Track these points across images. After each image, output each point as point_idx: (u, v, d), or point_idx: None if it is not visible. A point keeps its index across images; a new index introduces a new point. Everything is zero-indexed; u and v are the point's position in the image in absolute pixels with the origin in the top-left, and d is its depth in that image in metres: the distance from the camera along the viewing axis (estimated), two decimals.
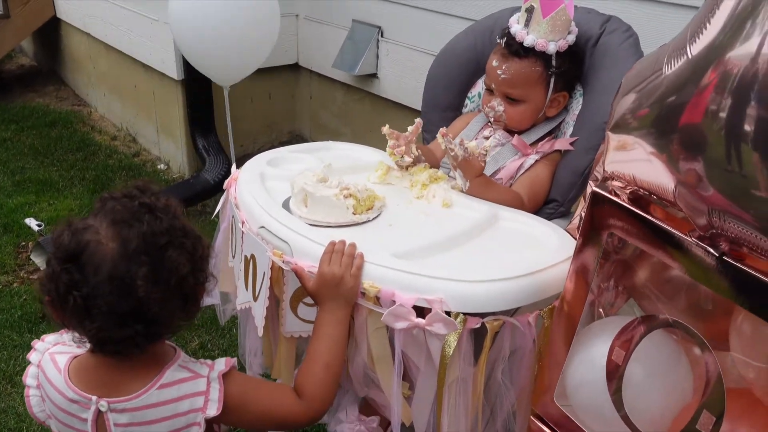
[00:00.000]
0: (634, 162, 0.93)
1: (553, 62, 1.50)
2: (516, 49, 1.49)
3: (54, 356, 1.06)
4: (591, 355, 1.04)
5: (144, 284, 0.93)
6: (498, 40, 1.55)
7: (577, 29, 1.52)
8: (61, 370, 1.04)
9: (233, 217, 1.42)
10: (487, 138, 1.61)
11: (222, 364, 1.05)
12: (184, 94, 3.31)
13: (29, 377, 1.09)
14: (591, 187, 1.13)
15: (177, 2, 2.66)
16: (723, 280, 0.83)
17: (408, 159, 1.50)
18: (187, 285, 0.98)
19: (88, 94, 4.57)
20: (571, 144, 1.53)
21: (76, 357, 1.05)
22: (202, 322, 2.42)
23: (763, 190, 0.72)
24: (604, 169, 1.02)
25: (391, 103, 3.07)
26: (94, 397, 1.01)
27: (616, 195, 0.99)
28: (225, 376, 1.04)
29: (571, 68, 1.54)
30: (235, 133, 3.57)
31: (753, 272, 0.79)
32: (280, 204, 1.38)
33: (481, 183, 1.43)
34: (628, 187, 0.97)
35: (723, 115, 0.74)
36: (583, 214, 1.11)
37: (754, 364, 0.91)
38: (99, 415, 1.01)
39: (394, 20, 2.96)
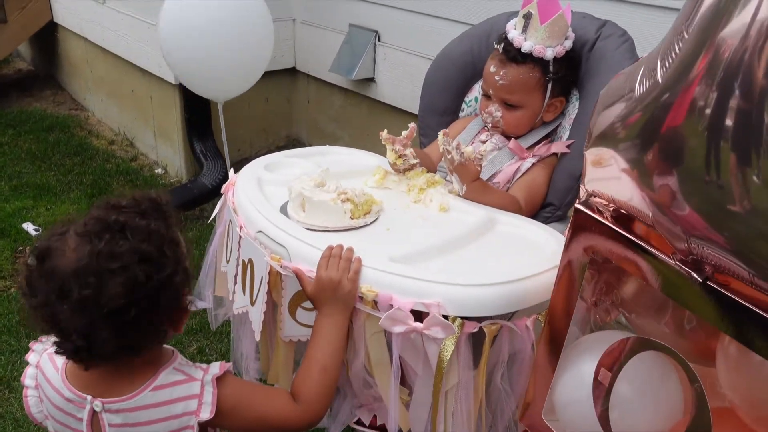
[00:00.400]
0: (610, 180, 0.91)
1: (551, 68, 1.50)
2: (514, 55, 1.50)
3: (52, 356, 1.06)
4: (580, 372, 1.03)
5: (68, 310, 0.91)
6: (495, 46, 1.56)
7: (573, 35, 1.53)
8: (58, 369, 1.05)
9: (230, 221, 1.42)
10: (483, 142, 1.61)
11: (216, 367, 1.05)
12: (181, 99, 3.31)
13: (27, 378, 1.09)
14: (578, 201, 1.12)
15: (168, 24, 2.62)
16: (707, 305, 0.81)
17: (413, 160, 1.50)
18: (125, 316, 0.92)
19: (85, 98, 4.57)
20: (568, 147, 1.53)
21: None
22: (200, 326, 2.42)
23: (737, 203, 0.69)
24: (585, 189, 1.01)
25: (389, 107, 3.07)
26: (89, 397, 1.01)
27: (599, 212, 0.97)
28: (219, 380, 1.04)
29: (568, 73, 1.54)
30: (232, 137, 3.57)
31: (737, 298, 0.77)
32: (277, 208, 1.39)
33: (477, 187, 1.43)
34: (611, 205, 0.96)
35: (708, 111, 0.70)
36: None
37: (740, 390, 0.89)
38: (94, 415, 1.02)
39: (391, 24, 2.96)
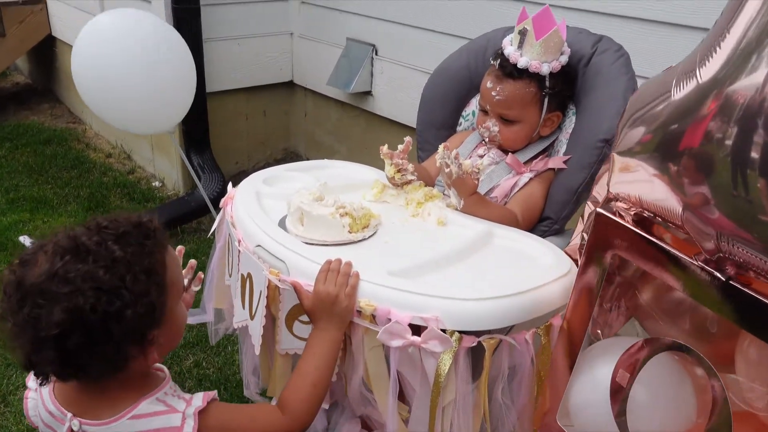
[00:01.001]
0: (638, 183, 0.93)
1: (547, 83, 1.52)
2: (510, 71, 1.51)
3: None
4: (594, 376, 1.04)
5: (13, 326, 0.91)
6: (492, 62, 1.57)
7: (569, 50, 1.54)
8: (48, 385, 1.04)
9: (230, 235, 1.43)
10: (481, 156, 1.62)
11: (199, 399, 1.02)
12: None
13: (30, 380, 1.09)
14: (589, 207, 1.13)
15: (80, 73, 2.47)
16: (729, 304, 0.83)
17: (411, 175, 1.51)
18: (65, 344, 0.90)
19: (83, 111, 4.58)
20: (565, 162, 1.54)
21: None
22: (197, 339, 2.41)
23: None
24: (608, 190, 1.02)
25: (386, 120, 3.09)
26: (69, 414, 1.00)
27: (621, 216, 0.99)
28: (202, 412, 1.01)
29: (564, 88, 1.56)
30: (229, 150, 3.59)
31: (759, 297, 0.79)
32: (276, 223, 1.39)
33: (475, 201, 1.44)
34: (633, 209, 0.97)
35: (729, 142, 0.74)
36: (584, 235, 1.12)
37: (759, 390, 0.91)
38: None
39: (388, 38, 2.98)
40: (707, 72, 0.80)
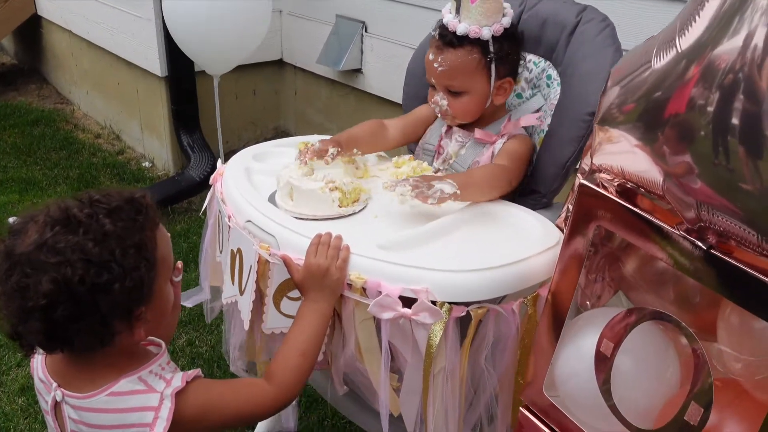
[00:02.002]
0: (621, 154, 0.94)
1: (491, 48, 1.44)
2: (449, 40, 1.44)
3: None
4: (579, 346, 1.05)
5: (3, 294, 0.92)
6: (432, 33, 1.50)
7: (511, 11, 1.47)
8: (40, 360, 1.05)
9: (220, 211, 1.43)
10: (447, 135, 1.58)
11: (179, 380, 1.01)
12: (168, 91, 3.30)
13: None
14: (579, 179, 1.14)
15: None
16: (710, 273, 0.84)
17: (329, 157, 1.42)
18: (51, 315, 0.90)
19: (70, 92, 4.53)
20: (538, 119, 1.52)
21: None
22: (190, 318, 2.42)
23: (749, 183, 0.73)
24: (591, 162, 1.03)
25: (376, 98, 3.08)
26: (54, 384, 1.01)
27: (604, 187, 0.99)
28: (180, 393, 1.00)
29: (511, 52, 1.48)
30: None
31: (740, 265, 0.80)
32: (266, 198, 1.39)
33: (463, 183, 1.34)
34: (616, 180, 0.98)
35: (711, 109, 0.74)
36: (569, 207, 1.13)
37: (740, 357, 0.92)
38: (57, 402, 1.01)
39: (377, 15, 2.96)
40: (687, 41, 0.80)
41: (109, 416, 0.99)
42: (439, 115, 1.56)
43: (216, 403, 1.06)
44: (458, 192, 1.30)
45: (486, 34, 1.42)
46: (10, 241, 0.93)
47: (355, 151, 1.49)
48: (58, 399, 1.01)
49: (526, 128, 1.54)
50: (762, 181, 0.72)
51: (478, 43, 1.43)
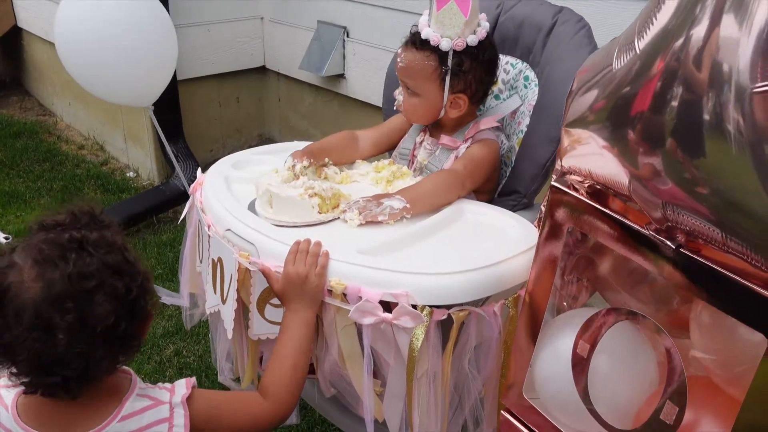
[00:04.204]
0: (589, 156, 0.94)
1: (449, 61, 1.43)
2: (414, 40, 1.46)
3: (0, 391, 0.99)
4: (557, 348, 1.06)
5: (65, 337, 0.86)
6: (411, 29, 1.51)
7: (485, 32, 1.45)
8: (8, 408, 0.97)
9: (200, 221, 1.42)
10: (420, 143, 1.60)
11: (183, 386, 1.01)
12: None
13: None
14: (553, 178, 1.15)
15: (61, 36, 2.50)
16: (680, 271, 0.85)
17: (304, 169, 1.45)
18: (116, 331, 0.90)
19: (53, 103, 4.50)
20: (498, 122, 1.53)
21: (24, 393, 0.96)
22: (177, 328, 2.40)
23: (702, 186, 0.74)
24: (561, 164, 1.04)
25: (360, 102, 3.08)
26: None
27: (575, 189, 1.00)
28: (189, 399, 1.01)
29: (470, 71, 1.46)
30: (203, 137, 3.56)
31: (708, 263, 0.81)
32: (245, 206, 1.39)
33: (413, 198, 1.35)
34: (586, 181, 0.99)
35: (675, 104, 0.75)
36: (542, 208, 1.13)
37: (712, 354, 0.93)
38: None
39: (359, 20, 2.96)
40: (644, 42, 0.81)
41: None
42: (395, 107, 1.58)
43: (219, 410, 1.05)
44: (408, 206, 1.33)
45: (445, 45, 1.42)
46: (10, 304, 0.87)
47: (326, 160, 1.52)
48: None
49: (499, 128, 1.55)
50: (719, 179, 0.73)
51: (437, 52, 1.44)
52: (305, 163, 1.44)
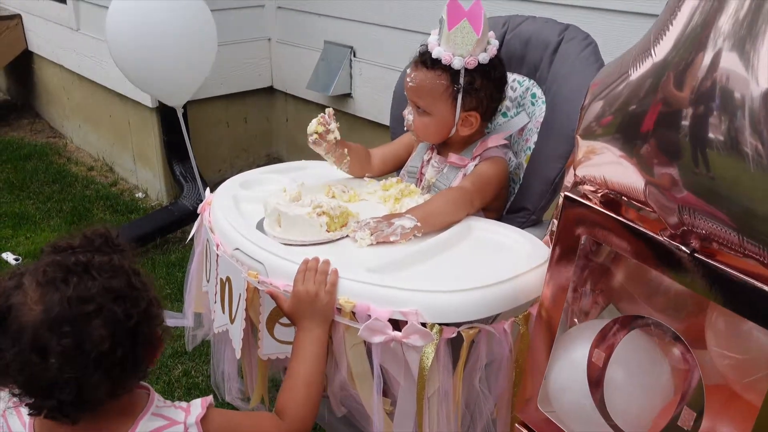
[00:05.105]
0: (604, 165, 0.95)
1: (460, 78, 1.44)
2: (425, 59, 1.47)
3: (19, 409, 0.98)
4: (572, 359, 1.05)
5: (56, 362, 0.86)
6: (419, 49, 1.52)
7: (495, 49, 1.46)
8: (25, 425, 0.99)
9: (208, 240, 1.42)
10: (428, 161, 1.61)
11: (198, 407, 1.00)
12: (159, 122, 3.31)
13: None
14: (563, 194, 1.14)
15: (113, 32, 2.68)
16: (695, 276, 0.85)
17: (334, 135, 1.53)
18: (113, 357, 0.89)
19: (63, 125, 4.55)
20: (506, 139, 1.53)
21: (30, 414, 0.96)
22: (185, 349, 2.39)
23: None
24: (575, 174, 1.04)
25: (367, 122, 3.09)
26: None
27: (588, 199, 1.00)
28: (203, 420, 1.00)
29: (481, 89, 1.46)
30: (211, 158, 3.58)
31: (723, 267, 0.81)
32: (253, 225, 1.39)
33: (422, 215, 1.36)
34: (599, 191, 0.99)
35: (686, 123, 0.77)
36: (555, 221, 1.13)
37: (729, 359, 0.92)
38: None
39: (365, 40, 2.99)
40: (662, 50, 0.81)
41: None
42: (405, 127, 1.58)
43: (235, 430, 1.05)
44: (419, 224, 1.34)
45: (457, 63, 1.43)
46: (12, 324, 0.87)
47: (345, 152, 1.55)
48: None
49: (507, 145, 1.55)
50: (738, 191, 0.73)
51: (449, 71, 1.44)
52: (335, 127, 1.52)
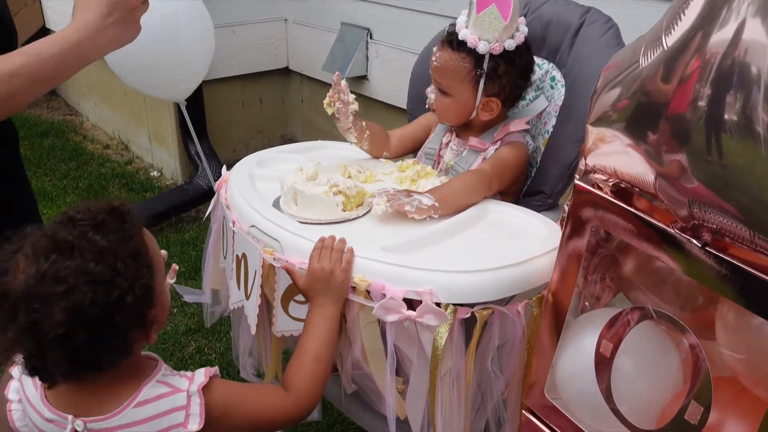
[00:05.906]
0: (613, 154, 0.94)
1: (484, 63, 1.44)
2: (451, 40, 1.46)
3: None
4: (580, 347, 1.05)
5: (16, 334, 0.88)
6: (447, 28, 1.52)
7: (523, 37, 1.45)
8: (37, 387, 1.01)
9: (224, 217, 1.43)
10: (446, 144, 1.60)
11: (202, 375, 1.01)
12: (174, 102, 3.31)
13: (11, 391, 1.04)
14: (575, 180, 1.14)
15: None
16: (706, 270, 0.84)
17: (353, 106, 1.53)
18: (71, 341, 0.88)
19: (79, 103, 4.57)
20: (527, 123, 1.52)
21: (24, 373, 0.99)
22: (198, 326, 2.42)
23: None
24: (585, 163, 1.03)
25: (382, 104, 3.08)
26: (69, 416, 0.97)
27: (599, 188, 0.99)
28: (206, 389, 1.00)
29: (504, 75, 1.45)
30: (227, 138, 3.59)
31: (735, 262, 0.80)
32: (270, 203, 1.39)
33: (440, 197, 1.34)
34: (611, 180, 0.98)
35: (702, 104, 0.75)
36: (566, 207, 1.13)
37: (739, 354, 0.92)
38: None
39: (382, 22, 2.97)
40: (673, 38, 0.80)
41: (141, 427, 0.97)
42: (427, 105, 1.58)
43: (238, 400, 1.05)
44: (437, 205, 1.32)
45: (482, 47, 1.42)
46: (1, 282, 0.89)
47: (364, 125, 1.55)
48: (79, 429, 0.97)
49: (527, 130, 1.54)
50: (749, 179, 0.72)
51: (473, 54, 1.43)
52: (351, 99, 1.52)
